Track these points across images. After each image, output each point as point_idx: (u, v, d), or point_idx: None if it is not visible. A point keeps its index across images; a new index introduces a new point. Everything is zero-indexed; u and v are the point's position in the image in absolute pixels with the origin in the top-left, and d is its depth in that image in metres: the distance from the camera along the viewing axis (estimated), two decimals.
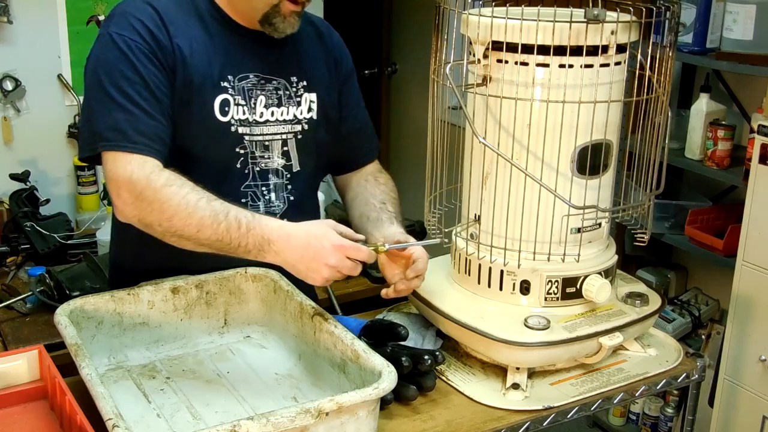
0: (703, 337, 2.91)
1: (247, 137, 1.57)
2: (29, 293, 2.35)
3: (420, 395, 1.38)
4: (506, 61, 1.38)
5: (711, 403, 2.57)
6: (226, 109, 1.54)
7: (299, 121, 1.63)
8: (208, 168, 1.52)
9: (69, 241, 2.70)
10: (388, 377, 1.19)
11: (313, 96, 1.64)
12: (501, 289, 1.46)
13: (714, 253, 2.68)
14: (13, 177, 2.84)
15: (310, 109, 1.64)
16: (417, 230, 2.67)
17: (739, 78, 2.81)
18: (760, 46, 2.51)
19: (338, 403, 1.13)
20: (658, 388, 1.51)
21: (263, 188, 1.60)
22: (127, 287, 1.47)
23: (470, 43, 1.41)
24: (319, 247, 1.35)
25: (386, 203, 1.68)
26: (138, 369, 1.42)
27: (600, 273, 1.46)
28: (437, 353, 1.41)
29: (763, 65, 2.48)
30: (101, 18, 2.99)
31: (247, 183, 1.59)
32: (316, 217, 1.73)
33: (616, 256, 1.53)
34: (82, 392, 1.21)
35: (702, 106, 2.71)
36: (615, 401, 1.46)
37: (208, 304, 1.52)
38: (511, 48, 1.36)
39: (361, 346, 1.28)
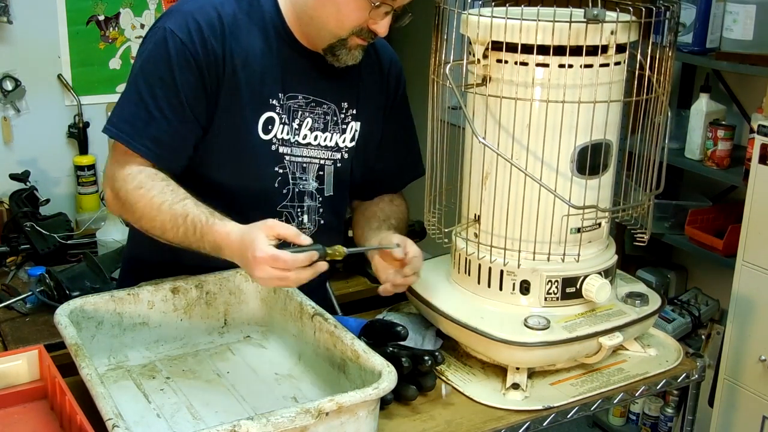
0: (703, 337, 2.91)
1: (287, 157, 1.56)
2: (29, 293, 2.35)
3: (420, 395, 1.38)
4: (506, 61, 1.38)
5: (711, 403, 2.57)
6: (270, 127, 1.53)
7: (340, 149, 1.62)
8: (244, 184, 1.52)
9: (69, 241, 2.71)
10: (388, 377, 1.19)
11: (358, 125, 1.63)
12: (501, 289, 1.46)
13: (714, 253, 2.68)
14: (13, 177, 2.84)
15: (353, 138, 1.63)
16: (417, 230, 2.67)
17: (739, 78, 2.81)
18: (760, 46, 2.52)
19: (338, 403, 1.13)
20: (658, 388, 1.51)
21: (298, 209, 1.60)
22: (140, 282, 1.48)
23: (470, 43, 1.41)
24: (248, 258, 1.29)
25: (390, 217, 1.67)
26: (138, 369, 1.42)
27: (600, 273, 1.46)
28: (437, 353, 1.41)
29: (763, 65, 2.48)
30: (101, 18, 3.00)
31: (284, 203, 1.59)
32: (340, 238, 1.71)
33: (616, 256, 1.53)
34: (82, 392, 1.21)
35: (702, 106, 2.71)
36: (615, 401, 1.46)
37: (208, 304, 1.52)
38: (511, 48, 1.36)
39: (361, 346, 1.28)
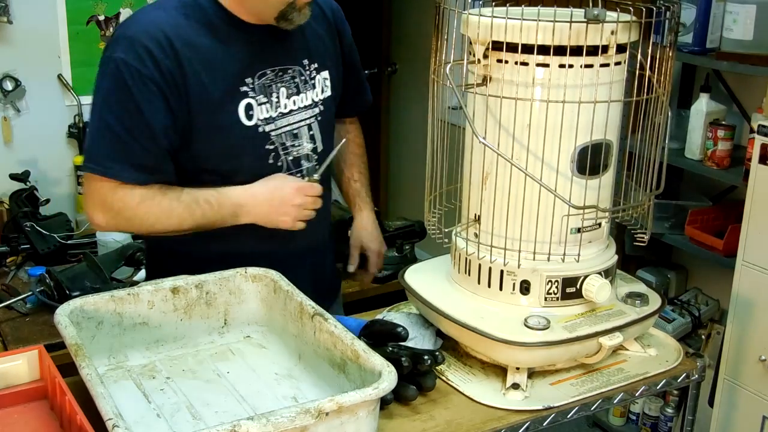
0: (703, 337, 2.92)
1: (273, 133, 1.62)
2: (29, 293, 2.35)
3: (420, 395, 1.38)
4: (506, 61, 1.38)
5: (711, 403, 2.57)
6: (251, 113, 1.58)
7: (316, 104, 1.69)
8: (242, 172, 1.59)
9: (69, 241, 2.70)
10: (388, 377, 1.19)
11: (326, 74, 1.71)
12: (501, 289, 1.46)
13: (714, 253, 2.68)
14: (13, 177, 2.84)
15: (323, 90, 1.70)
16: (417, 230, 2.67)
17: (739, 78, 2.81)
18: (760, 46, 2.52)
19: (338, 403, 1.13)
20: (658, 388, 1.51)
21: (297, 174, 1.67)
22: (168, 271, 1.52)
23: (470, 43, 1.41)
24: (283, 193, 1.56)
25: (353, 174, 1.93)
26: (138, 369, 1.42)
27: (600, 273, 1.46)
28: (437, 353, 1.41)
29: (763, 65, 2.48)
30: (101, 18, 3.00)
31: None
32: (332, 188, 1.87)
33: (616, 256, 1.53)
34: (82, 392, 1.21)
35: (702, 106, 2.71)
36: (615, 401, 1.46)
37: (208, 304, 1.52)
38: (511, 48, 1.36)
39: (361, 346, 1.28)
